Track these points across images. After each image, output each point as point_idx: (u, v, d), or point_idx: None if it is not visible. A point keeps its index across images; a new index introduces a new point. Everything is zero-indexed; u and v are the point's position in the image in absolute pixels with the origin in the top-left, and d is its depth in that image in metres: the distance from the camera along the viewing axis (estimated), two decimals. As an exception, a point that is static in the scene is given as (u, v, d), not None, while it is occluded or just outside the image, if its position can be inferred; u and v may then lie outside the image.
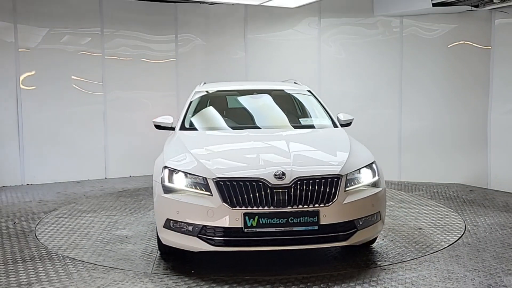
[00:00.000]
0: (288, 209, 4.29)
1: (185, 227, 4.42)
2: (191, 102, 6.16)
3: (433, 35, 8.75)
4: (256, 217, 4.25)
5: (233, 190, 4.32)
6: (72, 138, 9.11)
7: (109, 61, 9.37)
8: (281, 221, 4.27)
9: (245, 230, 4.26)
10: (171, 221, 4.49)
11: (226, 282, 4.33)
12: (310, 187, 4.35)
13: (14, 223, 6.36)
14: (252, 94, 6.49)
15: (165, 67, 9.84)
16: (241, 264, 4.78)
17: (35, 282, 4.42)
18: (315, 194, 4.35)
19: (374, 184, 4.74)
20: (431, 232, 5.74)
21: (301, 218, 4.29)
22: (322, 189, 4.37)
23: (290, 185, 4.32)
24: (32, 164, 8.84)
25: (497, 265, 4.74)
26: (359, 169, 4.67)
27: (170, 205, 4.50)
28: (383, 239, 5.49)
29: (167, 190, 4.58)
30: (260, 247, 4.38)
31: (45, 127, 8.93)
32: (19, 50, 8.71)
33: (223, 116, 6.13)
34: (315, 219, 4.30)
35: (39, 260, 4.98)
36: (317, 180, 4.39)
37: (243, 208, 4.27)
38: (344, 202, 4.41)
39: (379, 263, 4.80)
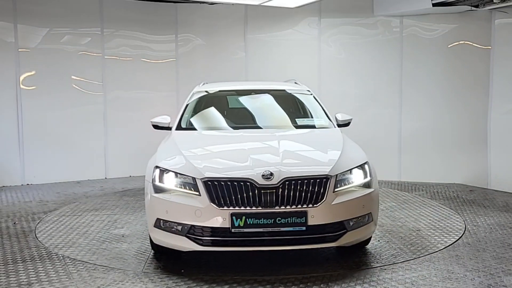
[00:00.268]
0: (276, 209, 4.28)
1: (174, 227, 4.45)
2: (188, 102, 6.20)
3: (433, 35, 8.75)
4: (244, 217, 4.25)
5: (220, 190, 4.33)
6: (72, 138, 9.11)
7: (109, 61, 9.38)
8: (269, 221, 4.26)
9: (233, 230, 4.27)
10: (161, 221, 4.52)
11: (226, 282, 4.33)
12: (298, 187, 4.34)
13: (14, 223, 6.36)
14: (250, 94, 6.48)
15: (165, 67, 9.84)
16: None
17: (35, 282, 4.42)
18: (303, 194, 4.33)
19: (366, 185, 4.71)
20: (429, 234, 5.71)
21: (289, 219, 4.28)
22: (310, 189, 4.35)
23: (277, 185, 4.31)
24: (32, 164, 8.84)
25: (497, 265, 4.74)
26: (350, 170, 4.64)
27: (160, 204, 4.52)
28: (379, 241, 5.46)
29: (158, 189, 4.61)
30: (247, 248, 4.38)
31: (45, 127, 8.93)
32: (19, 50, 8.71)
33: (219, 116, 6.14)
34: (303, 220, 4.28)
35: (39, 260, 4.98)
36: (306, 181, 4.37)
37: (231, 208, 4.27)
38: (333, 203, 4.39)
39: (372, 264, 4.78)
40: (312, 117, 6.09)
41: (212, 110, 6.24)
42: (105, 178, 9.38)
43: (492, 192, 7.94)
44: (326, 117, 5.98)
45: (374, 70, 9.20)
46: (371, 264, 4.79)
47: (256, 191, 4.30)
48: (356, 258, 4.93)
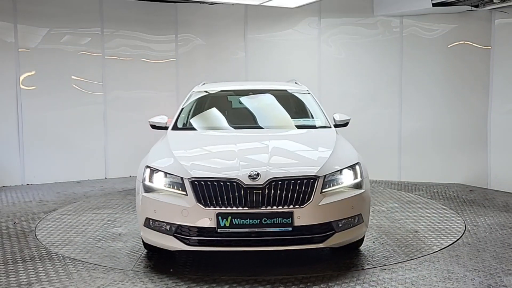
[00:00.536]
0: (262, 210, 4.27)
1: (163, 226, 4.47)
2: (186, 102, 6.23)
3: (433, 35, 8.75)
4: (229, 217, 4.25)
5: (207, 190, 4.34)
6: (72, 138, 9.11)
7: (109, 61, 9.38)
8: (255, 221, 4.26)
9: (218, 230, 4.27)
10: (151, 220, 4.54)
11: (226, 282, 4.33)
12: (285, 188, 4.32)
13: (14, 223, 6.36)
14: (248, 94, 6.48)
15: (165, 67, 9.84)
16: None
17: (35, 282, 4.42)
18: (289, 195, 4.32)
19: (357, 186, 4.67)
20: (426, 235, 5.66)
21: (275, 219, 4.27)
22: (297, 190, 4.33)
23: (264, 185, 4.30)
24: (32, 164, 8.85)
25: (497, 265, 4.74)
26: (339, 170, 4.61)
27: (149, 204, 4.55)
28: (373, 242, 5.43)
29: (148, 189, 4.63)
30: (233, 248, 4.38)
31: (45, 127, 8.94)
32: (19, 50, 8.71)
33: (216, 116, 6.16)
34: (289, 221, 4.27)
35: (39, 260, 4.98)
36: (292, 181, 4.35)
37: (217, 208, 4.28)
38: (320, 204, 4.36)
39: (363, 265, 4.75)
40: (309, 117, 6.05)
41: (209, 110, 6.26)
42: (105, 178, 9.39)
43: (492, 192, 7.94)
44: (322, 117, 5.95)
45: (374, 70, 9.20)
46: (362, 265, 4.75)
47: (242, 191, 4.30)
48: (348, 259, 4.91)
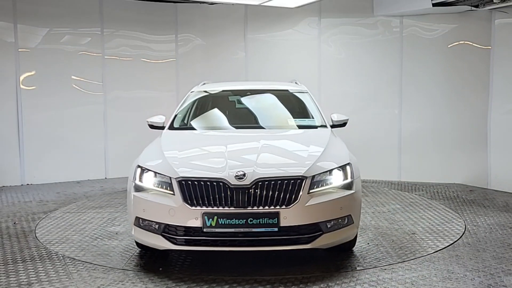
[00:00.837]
0: (248, 210, 4.26)
1: (152, 226, 4.49)
2: (183, 102, 6.25)
3: (433, 35, 8.75)
4: (215, 217, 4.26)
5: (193, 189, 4.35)
6: (72, 138, 9.11)
7: (109, 61, 9.38)
8: (241, 222, 4.25)
9: (204, 230, 4.27)
10: (140, 219, 4.57)
11: (226, 282, 4.33)
12: (271, 188, 4.31)
13: (14, 223, 6.36)
14: (246, 94, 6.47)
15: (165, 67, 9.84)
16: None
17: (35, 282, 4.42)
18: (275, 195, 4.31)
19: (347, 187, 4.60)
20: (423, 237, 5.60)
21: (261, 220, 4.26)
22: (283, 190, 4.32)
23: (250, 186, 4.30)
24: (32, 164, 8.85)
25: (497, 265, 4.74)
26: (329, 171, 4.57)
27: (139, 203, 4.58)
28: (368, 244, 5.40)
29: (138, 188, 4.66)
30: (219, 248, 4.38)
31: (45, 127, 8.94)
32: (19, 50, 8.71)
33: (212, 116, 6.17)
34: (275, 221, 4.26)
35: (39, 260, 4.98)
36: (279, 182, 4.34)
37: (203, 208, 4.28)
38: (307, 204, 4.34)
39: (353, 267, 4.72)
40: (305, 118, 6.02)
41: (206, 110, 6.27)
42: (105, 178, 9.39)
43: (492, 192, 7.94)
44: (319, 117, 5.93)
45: (374, 70, 9.20)
46: (352, 266, 4.73)
47: (229, 191, 4.30)
48: (339, 261, 4.89)
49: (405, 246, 5.30)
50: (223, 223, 4.25)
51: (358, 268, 4.67)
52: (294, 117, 6.05)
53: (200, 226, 4.27)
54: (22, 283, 4.40)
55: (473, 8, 7.90)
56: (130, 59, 9.54)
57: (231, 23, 9.86)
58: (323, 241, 4.43)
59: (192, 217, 4.28)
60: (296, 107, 6.24)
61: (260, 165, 4.47)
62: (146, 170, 4.66)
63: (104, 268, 4.75)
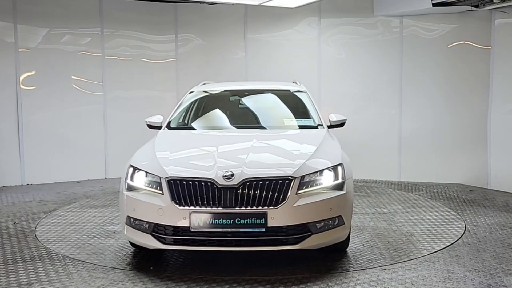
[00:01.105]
0: (235, 210, 4.26)
1: (142, 225, 4.50)
2: (181, 102, 6.26)
3: (433, 35, 8.75)
4: (203, 217, 4.26)
5: (181, 189, 4.35)
6: (72, 138, 9.12)
7: (109, 61, 9.38)
8: (228, 222, 4.25)
9: (192, 229, 4.28)
10: (131, 219, 4.58)
11: (226, 282, 4.33)
12: (259, 188, 4.31)
13: (14, 223, 6.37)
14: (243, 94, 6.46)
15: (165, 67, 9.84)
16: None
17: (35, 282, 4.42)
18: (263, 195, 4.30)
19: (337, 187, 4.56)
20: (420, 239, 5.55)
21: (248, 220, 4.25)
22: (271, 191, 4.31)
23: (238, 186, 4.30)
24: (32, 164, 8.85)
25: (497, 265, 4.74)
26: (319, 171, 4.54)
27: (130, 202, 4.60)
28: (363, 245, 5.36)
29: (129, 188, 4.68)
30: (207, 247, 4.37)
31: (45, 127, 8.94)
32: (19, 50, 8.72)
33: (208, 116, 6.17)
34: (262, 221, 4.25)
35: (39, 260, 4.98)
36: (267, 182, 4.33)
37: (191, 207, 4.29)
38: (295, 205, 4.32)
39: (344, 268, 4.70)
40: (301, 118, 5.98)
41: (202, 110, 6.27)
42: (105, 178, 9.39)
43: (492, 192, 7.94)
44: (316, 117, 5.90)
45: (374, 70, 9.20)
46: (343, 268, 4.70)
47: (217, 191, 4.30)
48: (329, 262, 4.89)
49: (400, 248, 5.26)
50: (210, 223, 4.26)
51: (351, 269, 4.64)
52: (290, 117, 6.03)
53: (188, 225, 4.28)
54: (22, 283, 4.39)
55: (473, 8, 7.91)
56: (130, 59, 9.54)
57: (231, 23, 9.86)
58: (312, 242, 4.41)
59: (180, 216, 4.29)
60: (293, 107, 6.21)
61: (248, 165, 4.47)
62: (138, 170, 4.69)
63: (104, 268, 4.75)
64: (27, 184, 8.80)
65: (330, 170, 4.61)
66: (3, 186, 8.60)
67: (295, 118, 5.99)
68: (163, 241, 4.39)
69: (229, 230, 4.26)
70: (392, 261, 4.86)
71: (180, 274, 4.55)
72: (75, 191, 8.26)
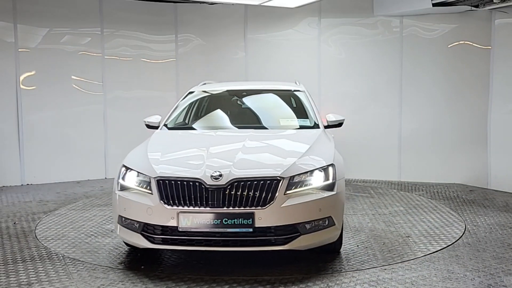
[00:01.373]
0: (223, 210, 4.26)
1: (133, 224, 4.52)
2: (179, 102, 6.27)
3: (433, 35, 8.75)
4: (191, 217, 4.27)
5: (170, 189, 4.37)
6: (72, 138, 9.12)
7: (109, 61, 9.38)
8: (216, 222, 4.25)
9: (180, 229, 4.29)
10: (123, 218, 4.61)
11: (226, 282, 4.33)
12: (247, 189, 4.30)
13: (14, 223, 6.37)
14: (243, 94, 6.45)
15: (165, 67, 9.84)
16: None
17: (35, 282, 4.42)
18: (250, 196, 4.29)
19: (328, 188, 4.52)
20: (416, 241, 5.50)
21: (236, 220, 4.24)
22: (258, 191, 4.30)
23: (225, 186, 4.29)
24: (32, 164, 8.85)
25: (497, 265, 4.74)
26: (308, 172, 4.51)
27: (121, 202, 4.63)
28: (357, 246, 5.33)
29: (121, 187, 4.71)
30: (195, 247, 4.38)
31: (45, 127, 8.94)
32: (19, 50, 8.72)
33: (205, 116, 6.17)
34: (249, 221, 4.24)
35: (39, 260, 4.98)
36: (255, 182, 4.32)
37: (179, 207, 4.30)
38: (283, 205, 4.30)
39: (336, 268, 4.69)
40: (298, 118, 5.96)
41: (200, 111, 6.28)
42: (105, 178, 9.39)
43: (492, 192, 7.94)
44: (313, 117, 5.87)
45: (374, 70, 9.20)
46: (333, 269, 4.68)
47: (204, 191, 4.30)
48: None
49: (395, 249, 5.22)
50: (198, 223, 4.26)
51: (342, 271, 4.61)
52: (287, 117, 6.02)
53: (176, 225, 4.29)
54: (22, 283, 4.39)
55: (473, 8, 7.91)
56: (130, 59, 9.54)
57: (231, 23, 9.86)
58: (301, 243, 4.39)
59: (168, 216, 4.30)
60: (291, 107, 6.21)
61: (237, 166, 4.47)
62: (130, 170, 4.72)
63: (104, 268, 4.75)
64: (27, 184, 8.80)
65: (320, 171, 4.58)
66: (3, 186, 8.60)
67: (294, 118, 5.98)
68: (152, 241, 4.42)
69: (216, 230, 4.27)
70: (385, 262, 4.81)
71: (180, 274, 4.55)
72: (75, 191, 8.27)
